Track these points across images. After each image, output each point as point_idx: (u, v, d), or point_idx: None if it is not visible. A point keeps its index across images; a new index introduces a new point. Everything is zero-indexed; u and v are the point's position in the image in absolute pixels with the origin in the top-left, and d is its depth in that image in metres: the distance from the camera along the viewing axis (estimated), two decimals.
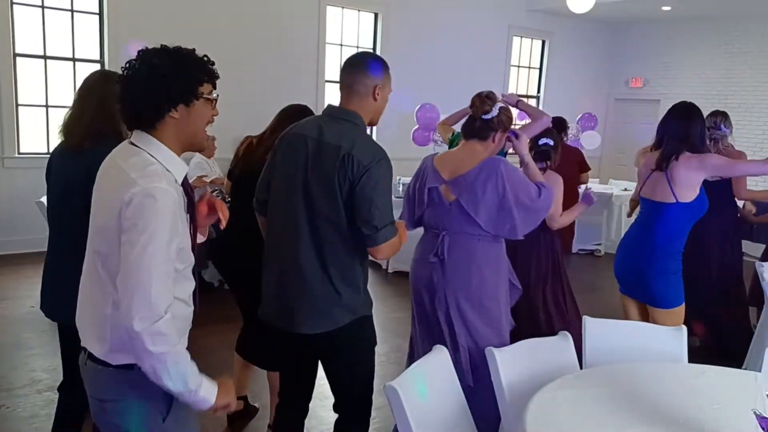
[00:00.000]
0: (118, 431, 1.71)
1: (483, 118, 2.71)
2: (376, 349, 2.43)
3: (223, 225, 1.92)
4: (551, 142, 3.69)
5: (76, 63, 6.73)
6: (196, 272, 1.78)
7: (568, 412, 2.00)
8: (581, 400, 2.08)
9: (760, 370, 2.44)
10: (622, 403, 2.07)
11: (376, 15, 8.87)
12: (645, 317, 3.42)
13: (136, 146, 1.64)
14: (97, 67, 6.81)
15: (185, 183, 1.71)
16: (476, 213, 2.67)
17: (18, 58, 6.41)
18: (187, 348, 1.63)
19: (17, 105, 6.47)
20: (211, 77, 1.68)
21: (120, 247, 1.54)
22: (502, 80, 10.39)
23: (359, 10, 8.73)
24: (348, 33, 8.73)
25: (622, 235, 3.59)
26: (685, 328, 2.66)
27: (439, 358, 2.22)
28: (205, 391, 1.63)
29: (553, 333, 3.89)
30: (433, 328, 2.80)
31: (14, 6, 6.30)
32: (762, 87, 9.73)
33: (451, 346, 2.70)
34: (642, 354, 2.56)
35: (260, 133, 3.08)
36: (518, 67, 10.79)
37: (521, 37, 10.62)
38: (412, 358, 2.93)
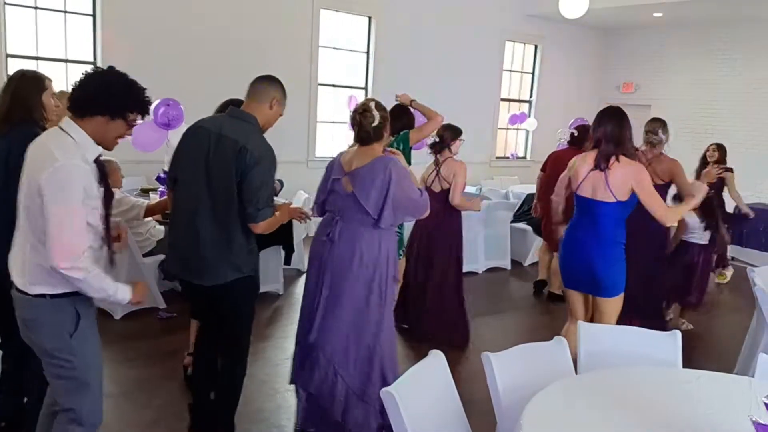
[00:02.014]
0: (35, 343, 2.29)
1: (372, 127, 3.10)
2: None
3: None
4: (437, 139, 4.74)
5: (69, 64, 6.69)
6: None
7: (563, 417, 2.01)
8: (576, 405, 2.09)
9: (753, 375, 2.46)
10: (617, 408, 2.08)
11: (369, 19, 8.88)
12: (588, 309, 3.79)
13: (63, 131, 2.20)
14: (89, 68, 6.76)
15: (97, 160, 2.26)
16: (366, 202, 3.08)
17: (9, 59, 6.36)
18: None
19: None
20: (143, 111, 2.32)
21: (41, 206, 2.10)
22: (495, 85, 10.43)
23: (353, 14, 8.74)
24: (341, 36, 8.73)
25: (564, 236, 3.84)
26: (678, 332, 2.67)
27: (435, 363, 2.22)
28: (122, 294, 2.29)
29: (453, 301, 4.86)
30: (315, 296, 3.19)
31: (6, 6, 6.26)
32: (751, 93, 9.81)
33: (337, 316, 3.12)
34: (636, 359, 2.58)
35: None
36: (511, 71, 10.83)
37: (514, 42, 10.66)
38: (301, 316, 3.33)
